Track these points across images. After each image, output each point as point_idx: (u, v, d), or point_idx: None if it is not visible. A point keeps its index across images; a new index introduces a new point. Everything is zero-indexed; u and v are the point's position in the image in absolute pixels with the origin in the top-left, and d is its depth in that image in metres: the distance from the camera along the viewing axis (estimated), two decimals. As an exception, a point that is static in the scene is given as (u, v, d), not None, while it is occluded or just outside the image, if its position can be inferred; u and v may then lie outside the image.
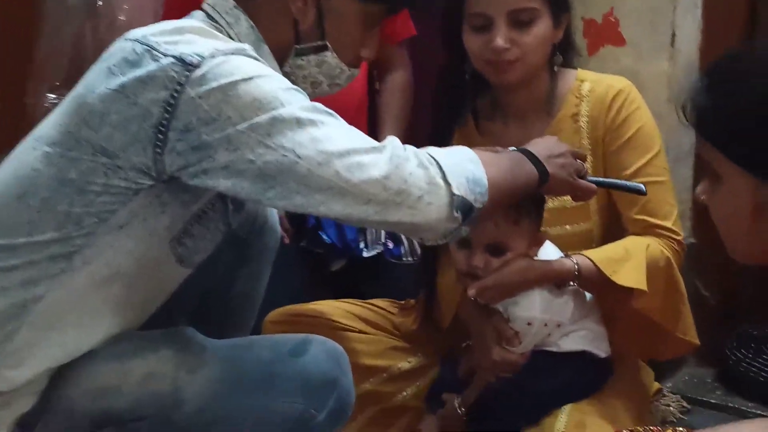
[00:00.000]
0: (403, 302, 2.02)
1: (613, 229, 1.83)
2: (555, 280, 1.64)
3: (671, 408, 2.15)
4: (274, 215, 1.84)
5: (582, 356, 1.71)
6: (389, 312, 1.98)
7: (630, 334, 1.78)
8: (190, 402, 1.35)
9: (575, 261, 1.64)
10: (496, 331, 1.68)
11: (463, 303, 1.77)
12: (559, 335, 1.70)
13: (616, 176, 1.76)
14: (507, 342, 1.66)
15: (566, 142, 1.61)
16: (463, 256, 1.63)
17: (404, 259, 2.34)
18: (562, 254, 1.72)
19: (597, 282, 1.65)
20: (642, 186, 1.64)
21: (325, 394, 1.38)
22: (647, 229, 1.74)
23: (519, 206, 1.58)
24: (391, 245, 2.34)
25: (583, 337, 1.71)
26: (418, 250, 2.33)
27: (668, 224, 1.74)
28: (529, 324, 1.65)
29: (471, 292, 1.61)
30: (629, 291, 1.66)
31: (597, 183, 1.60)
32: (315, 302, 1.94)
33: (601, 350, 1.72)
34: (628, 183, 1.65)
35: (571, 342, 1.70)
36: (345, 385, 1.42)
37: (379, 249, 2.30)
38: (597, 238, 1.80)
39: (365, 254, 2.31)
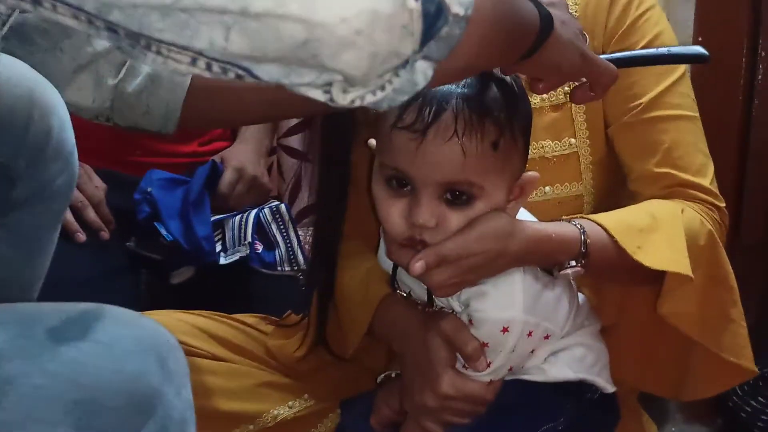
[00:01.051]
0: (280, 318, 1.32)
1: (611, 198, 1.21)
2: (549, 256, 0.98)
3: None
4: (73, 160, 1.08)
5: (578, 389, 1.05)
6: (260, 331, 1.28)
7: (638, 356, 1.14)
8: None
9: (580, 226, 1.00)
10: (447, 344, 1.00)
11: (388, 303, 1.10)
12: (545, 353, 1.04)
13: (621, 111, 1.14)
14: (467, 362, 0.99)
15: None
16: (401, 207, 0.96)
17: (280, 268, 1.65)
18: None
19: (610, 264, 1.02)
20: (702, 49, 1.01)
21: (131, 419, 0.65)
22: (674, 191, 1.13)
23: (505, 110, 0.94)
24: (260, 248, 1.64)
25: (579, 359, 1.06)
26: (300, 257, 1.64)
27: (705, 183, 1.13)
28: (504, 330, 0.98)
29: (415, 266, 0.93)
30: (653, 284, 1.03)
31: (618, 60, 0.97)
32: (146, 312, 1.21)
33: (605, 380, 1.07)
34: (667, 50, 1.02)
35: (562, 365, 1.05)
36: (172, 404, 0.69)
37: (242, 253, 1.61)
38: (588, 209, 1.17)
39: (223, 261, 1.63)
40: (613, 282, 1.10)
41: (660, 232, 1.03)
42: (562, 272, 1.00)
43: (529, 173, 1.00)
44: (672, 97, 1.14)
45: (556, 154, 1.16)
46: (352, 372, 1.23)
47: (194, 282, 1.63)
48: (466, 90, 0.93)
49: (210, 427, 1.09)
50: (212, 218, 1.63)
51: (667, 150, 1.13)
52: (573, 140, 1.16)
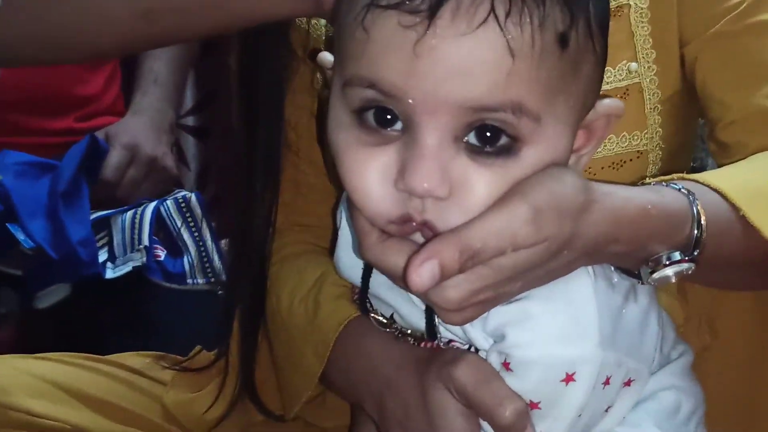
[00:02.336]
0: (184, 358, 0.88)
1: (686, 156, 0.80)
2: (642, 244, 0.56)
3: None
4: None
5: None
6: (154, 380, 0.84)
7: (739, 398, 0.74)
8: None
9: (686, 191, 0.58)
10: (465, 408, 0.58)
11: (355, 334, 0.68)
12: (624, 410, 0.62)
13: (708, 16, 0.73)
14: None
15: None
16: (384, 162, 0.54)
17: (190, 280, 1.21)
18: None
19: (731, 251, 0.61)
20: None
21: None
22: None
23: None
24: (162, 255, 1.20)
25: (672, 411, 0.65)
26: (218, 265, 1.21)
27: None
28: (568, 379, 0.55)
29: (418, 274, 0.49)
30: None
31: None
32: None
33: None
34: None
35: (649, 426, 0.63)
36: None
37: (136, 263, 1.16)
38: (654, 170, 0.76)
39: (110, 274, 1.19)
40: (714, 282, 0.69)
41: None
42: (657, 274, 0.58)
43: (608, 101, 0.58)
44: None
45: (608, 87, 0.74)
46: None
47: (70, 305, 1.17)
48: None
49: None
50: (93, 215, 1.19)
51: None
52: (633, 65, 0.75)
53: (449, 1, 0.49)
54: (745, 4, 0.72)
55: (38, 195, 1.16)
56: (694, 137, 0.82)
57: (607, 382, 0.58)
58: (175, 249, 1.22)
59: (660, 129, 0.76)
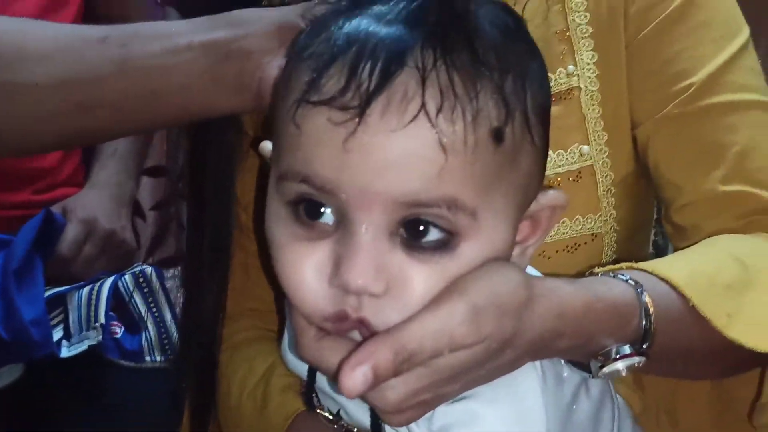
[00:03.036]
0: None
1: (643, 238, 0.79)
2: (589, 339, 0.55)
3: None
4: None
5: None
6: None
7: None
8: None
9: (634, 283, 0.57)
10: None
11: (301, 429, 0.65)
12: None
13: (660, 98, 0.73)
14: None
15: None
16: (319, 257, 0.52)
17: (149, 358, 1.18)
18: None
19: (684, 344, 0.60)
20: None
21: None
22: (754, 221, 0.71)
23: (513, 69, 0.52)
24: (120, 331, 1.17)
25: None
26: (175, 338, 1.19)
27: None
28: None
29: (350, 379, 0.47)
30: (736, 371, 0.63)
31: None
32: None
33: None
34: None
35: None
36: None
37: (91, 341, 1.14)
38: (609, 255, 0.75)
39: (65, 353, 1.15)
40: (668, 373, 0.67)
41: (759, 289, 0.61)
42: (607, 368, 0.56)
43: (552, 192, 0.56)
44: (738, 73, 0.72)
45: (560, 170, 0.73)
46: None
47: (25, 385, 1.14)
48: (435, 28, 0.50)
49: None
50: (49, 292, 1.15)
51: (739, 157, 0.71)
52: (585, 148, 0.74)
53: (379, 98, 0.48)
54: (694, 88, 0.71)
55: (-9, 268, 1.12)
56: (651, 216, 0.81)
57: (557, 485, 0.56)
58: (133, 325, 1.19)
59: (614, 211, 0.75)
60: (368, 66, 0.48)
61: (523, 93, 0.52)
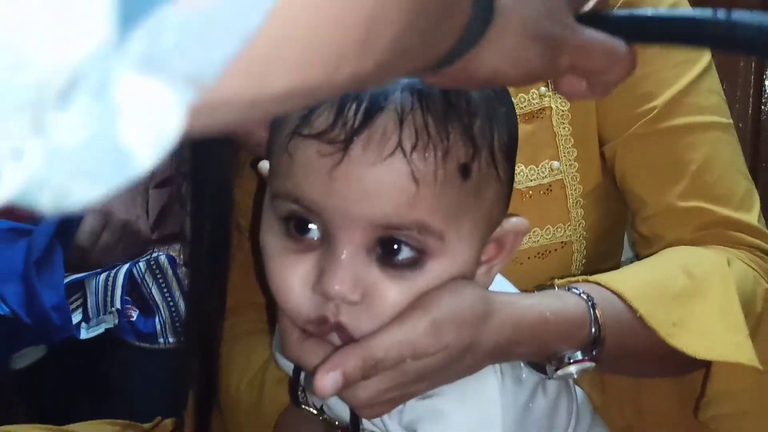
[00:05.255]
0: (147, 426, 0.93)
1: (611, 243, 0.86)
2: (542, 347, 0.62)
3: None
4: None
5: None
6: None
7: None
8: None
9: (586, 297, 0.64)
10: None
11: (290, 422, 0.73)
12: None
13: (625, 118, 0.79)
14: None
15: None
16: (305, 268, 0.59)
17: (162, 340, 1.26)
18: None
19: (632, 351, 0.67)
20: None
21: None
22: (709, 234, 0.77)
23: (481, 112, 0.58)
24: (135, 315, 1.25)
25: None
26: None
27: (751, 219, 0.78)
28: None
29: (323, 382, 0.54)
30: (689, 370, 0.70)
31: (634, 29, 0.54)
32: None
33: None
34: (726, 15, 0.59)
35: None
36: None
37: (108, 325, 1.21)
38: (579, 261, 0.81)
39: (84, 335, 1.24)
40: (622, 372, 0.74)
41: (705, 299, 0.68)
42: (561, 371, 0.63)
43: (515, 219, 0.63)
44: (698, 96, 0.78)
45: (532, 184, 0.80)
46: None
47: (46, 364, 1.22)
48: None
49: None
50: (68, 278, 1.23)
51: (697, 173, 0.77)
52: (555, 164, 0.80)
53: (362, 135, 0.55)
54: (657, 110, 0.77)
55: (13, 260, 1.20)
56: (625, 220, 0.87)
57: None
58: (148, 309, 1.27)
59: (583, 221, 0.81)
60: (354, 106, 0.55)
61: (490, 134, 0.58)
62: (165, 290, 1.27)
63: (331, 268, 0.56)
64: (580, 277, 0.68)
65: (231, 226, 0.85)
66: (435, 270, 0.58)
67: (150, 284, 1.27)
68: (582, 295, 0.64)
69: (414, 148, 0.55)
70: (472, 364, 0.60)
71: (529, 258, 0.80)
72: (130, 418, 0.98)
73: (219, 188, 0.84)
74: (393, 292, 0.57)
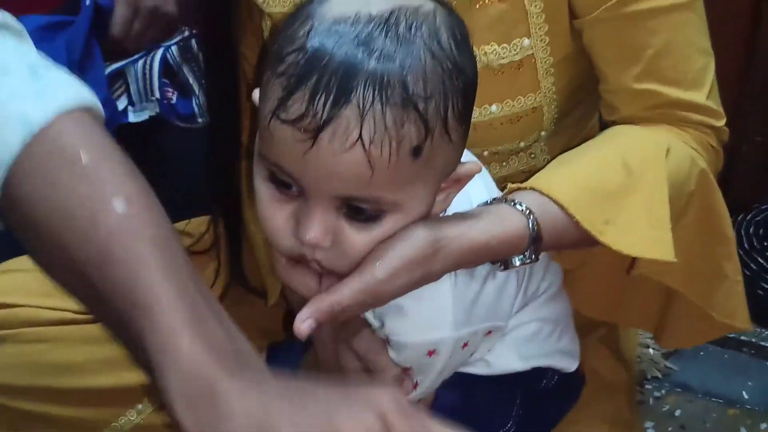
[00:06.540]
0: (186, 222, 1.09)
1: (580, 97, 0.93)
2: (490, 259, 0.75)
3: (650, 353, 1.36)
4: None
5: (532, 377, 0.86)
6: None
7: (611, 296, 0.93)
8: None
9: (527, 211, 0.75)
10: (364, 367, 0.80)
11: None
12: (489, 346, 0.84)
13: (585, 8, 0.83)
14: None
15: None
16: (288, 211, 0.72)
17: (201, 120, 1.39)
18: (489, 182, 0.82)
19: (570, 243, 0.79)
20: None
21: None
22: (660, 113, 0.84)
23: (437, 95, 0.67)
24: (174, 97, 1.38)
25: (531, 336, 0.86)
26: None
27: (700, 98, 0.84)
28: (430, 354, 0.77)
29: (301, 328, 0.70)
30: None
31: None
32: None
33: (565, 355, 0.88)
34: None
35: (509, 353, 0.85)
36: None
37: (150, 112, 1.35)
38: (550, 119, 0.90)
39: (132, 118, 1.37)
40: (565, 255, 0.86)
41: (635, 194, 0.77)
42: (508, 270, 0.77)
43: (467, 166, 0.72)
44: None
45: (504, 61, 0.86)
46: (282, 308, 1.04)
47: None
48: (378, 63, 0.64)
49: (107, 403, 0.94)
50: (109, 69, 1.34)
51: (653, 58, 0.82)
52: (527, 41, 0.85)
53: (328, 128, 0.64)
54: None
55: (56, 57, 1.30)
56: (595, 79, 0.92)
57: (464, 346, 0.79)
58: (185, 91, 1.38)
59: (553, 86, 0.88)
60: (322, 99, 0.63)
61: (444, 110, 0.66)
62: (198, 73, 1.37)
63: (306, 221, 0.69)
64: (526, 184, 0.77)
65: (237, 75, 0.95)
66: (392, 222, 0.70)
67: (184, 68, 1.36)
68: (523, 209, 0.75)
69: (372, 141, 0.64)
70: (429, 282, 0.73)
71: (501, 124, 0.89)
72: (174, 197, 1.14)
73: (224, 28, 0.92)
74: (357, 238, 0.70)
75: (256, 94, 0.74)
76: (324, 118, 0.63)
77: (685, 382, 1.38)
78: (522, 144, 0.91)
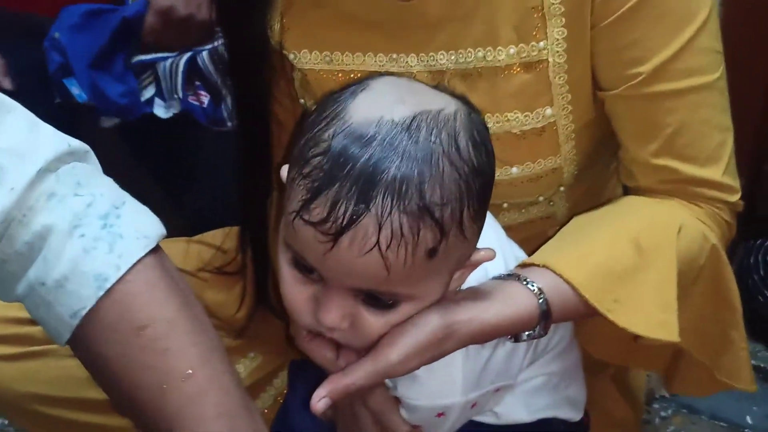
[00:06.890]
0: (225, 235, 1.14)
1: (599, 158, 0.95)
2: (500, 337, 0.79)
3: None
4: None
5: (540, 426, 0.91)
6: (196, 277, 1.09)
7: (621, 345, 0.97)
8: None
9: (538, 291, 0.78)
10: (377, 422, 0.85)
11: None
12: (497, 400, 0.88)
13: (616, 77, 0.85)
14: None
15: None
16: (309, 292, 0.76)
17: (230, 124, 1.42)
18: (504, 247, 0.86)
19: (578, 319, 0.84)
20: None
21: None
22: (675, 188, 0.87)
23: (453, 202, 0.70)
24: (206, 101, 1.41)
25: (538, 388, 0.90)
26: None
27: (716, 175, 0.87)
28: (440, 415, 0.82)
29: (317, 405, 0.75)
30: None
31: None
32: None
33: (575, 409, 0.92)
34: None
35: (517, 405, 0.90)
36: None
37: (175, 110, 1.40)
38: (569, 177, 0.92)
39: (162, 113, 1.41)
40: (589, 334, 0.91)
41: (646, 275, 0.81)
42: (518, 342, 0.81)
43: (481, 253, 0.76)
44: (687, 59, 0.82)
45: (526, 128, 0.88)
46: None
47: (127, 129, 1.43)
48: (397, 172, 0.67)
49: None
50: (143, 58, 1.38)
51: (671, 137, 0.85)
52: (549, 110, 0.88)
53: (348, 233, 0.67)
54: (642, 77, 0.83)
55: (89, 47, 1.33)
56: (609, 141, 0.93)
57: (473, 406, 0.83)
58: (216, 94, 1.41)
59: (574, 149, 0.90)
60: (343, 207, 0.67)
61: (459, 213, 0.69)
62: (227, 80, 1.39)
63: (325, 306, 0.73)
64: (539, 261, 0.81)
65: (268, 123, 0.98)
66: (407, 308, 0.74)
67: (214, 73, 1.39)
68: (534, 289, 0.78)
69: (388, 246, 0.68)
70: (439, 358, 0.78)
71: (522, 182, 0.92)
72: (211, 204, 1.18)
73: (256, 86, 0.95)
74: (374, 321, 0.74)
75: (284, 171, 0.77)
76: (344, 224, 0.67)
77: (691, 404, 1.43)
78: (541, 198, 0.94)
